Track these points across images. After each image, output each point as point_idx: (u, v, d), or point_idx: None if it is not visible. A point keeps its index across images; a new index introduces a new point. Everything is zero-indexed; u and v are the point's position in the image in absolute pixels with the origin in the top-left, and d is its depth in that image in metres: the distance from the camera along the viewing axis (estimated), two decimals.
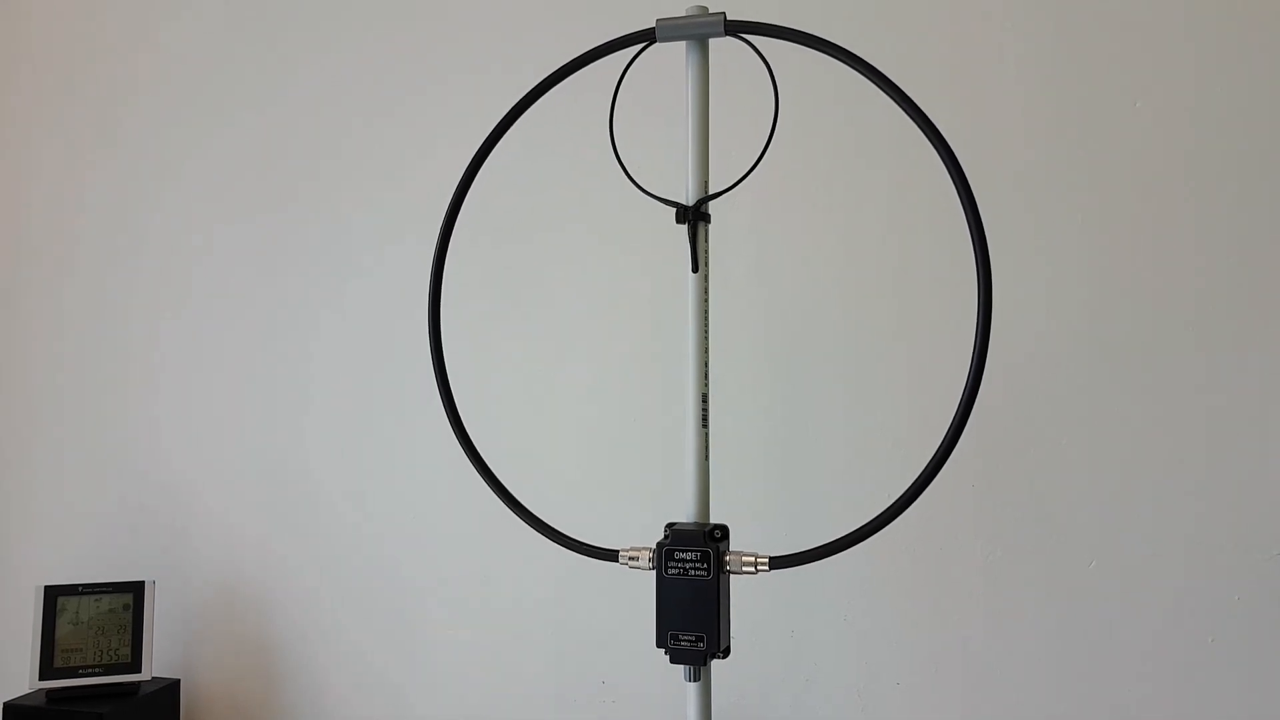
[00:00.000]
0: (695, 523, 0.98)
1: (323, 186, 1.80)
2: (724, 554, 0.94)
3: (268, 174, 1.84)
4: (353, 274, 1.77)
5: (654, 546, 0.95)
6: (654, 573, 0.95)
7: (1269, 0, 1.32)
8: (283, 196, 1.83)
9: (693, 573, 0.93)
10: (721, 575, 0.93)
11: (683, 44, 0.98)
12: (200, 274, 1.88)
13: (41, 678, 1.65)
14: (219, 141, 1.87)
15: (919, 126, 0.88)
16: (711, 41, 0.98)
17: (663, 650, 0.95)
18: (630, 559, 0.97)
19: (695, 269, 0.99)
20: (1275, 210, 1.32)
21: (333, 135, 1.79)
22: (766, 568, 0.93)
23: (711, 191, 0.98)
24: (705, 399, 0.99)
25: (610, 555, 0.98)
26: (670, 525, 0.97)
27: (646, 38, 0.97)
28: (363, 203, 1.77)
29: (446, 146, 1.70)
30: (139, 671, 1.69)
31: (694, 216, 0.98)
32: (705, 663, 0.95)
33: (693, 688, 0.97)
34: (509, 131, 1.03)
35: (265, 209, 1.84)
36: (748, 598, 1.43)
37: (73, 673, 1.66)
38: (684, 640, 0.93)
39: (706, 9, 0.96)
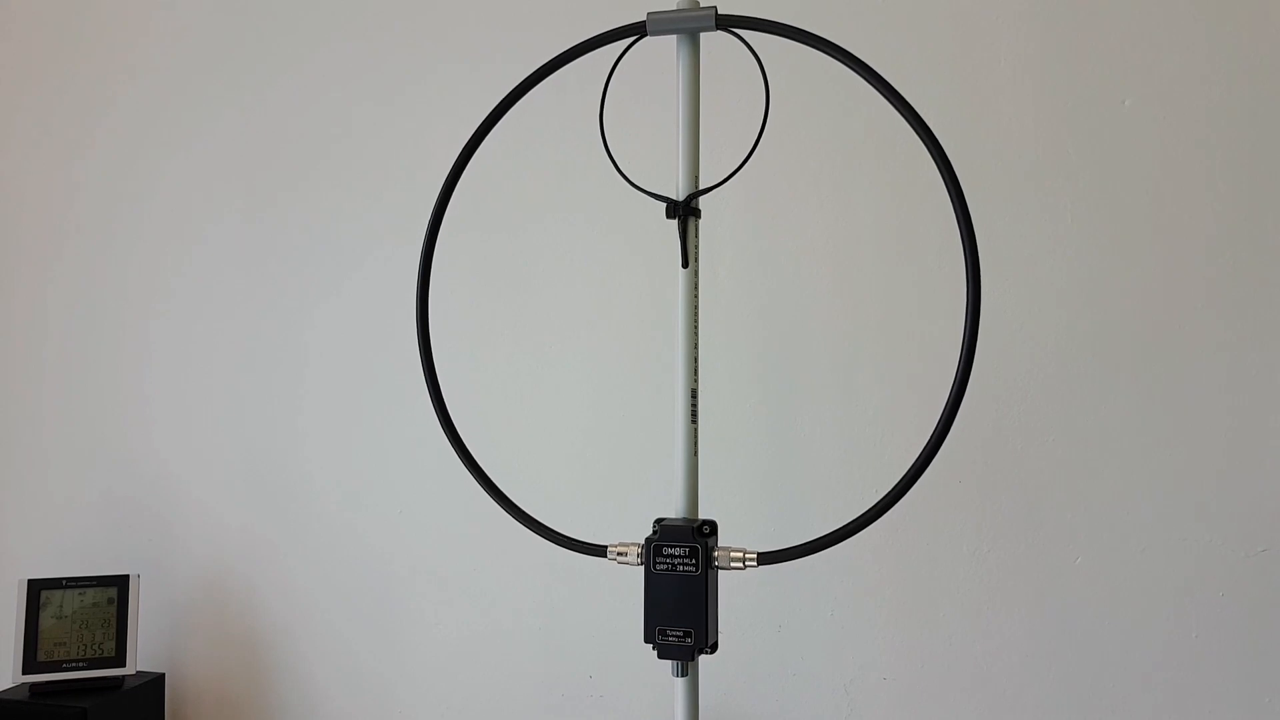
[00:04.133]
0: (684, 518, 0.98)
1: (311, 180, 1.79)
2: (712, 549, 0.94)
3: (255, 167, 1.83)
4: (341, 268, 1.76)
5: (642, 542, 0.95)
6: (642, 568, 0.95)
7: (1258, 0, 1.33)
8: (270, 190, 1.82)
9: (681, 568, 0.93)
10: (710, 571, 0.93)
11: (673, 38, 0.98)
12: (187, 266, 1.86)
13: (24, 672, 1.64)
14: (208, 134, 1.86)
15: (908, 122, 0.88)
16: (702, 36, 0.98)
17: (650, 645, 0.95)
18: (618, 554, 0.97)
19: (685, 264, 0.98)
20: (1267, 209, 1.33)
21: (321, 129, 1.78)
22: (755, 563, 0.93)
23: (702, 186, 0.98)
24: (695, 394, 0.99)
25: (598, 550, 0.98)
26: (659, 520, 0.97)
27: (637, 31, 0.97)
28: (351, 196, 1.76)
29: (435, 140, 1.69)
30: (123, 665, 1.68)
31: (684, 211, 0.97)
32: (693, 658, 0.95)
33: (680, 682, 0.97)
34: (498, 125, 1.03)
35: (252, 202, 1.83)
36: (735, 592, 1.44)
37: (56, 667, 1.65)
38: (672, 635, 0.93)
39: (698, 3, 0.96)
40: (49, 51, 1.97)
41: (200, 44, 1.87)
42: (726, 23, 0.94)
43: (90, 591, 1.70)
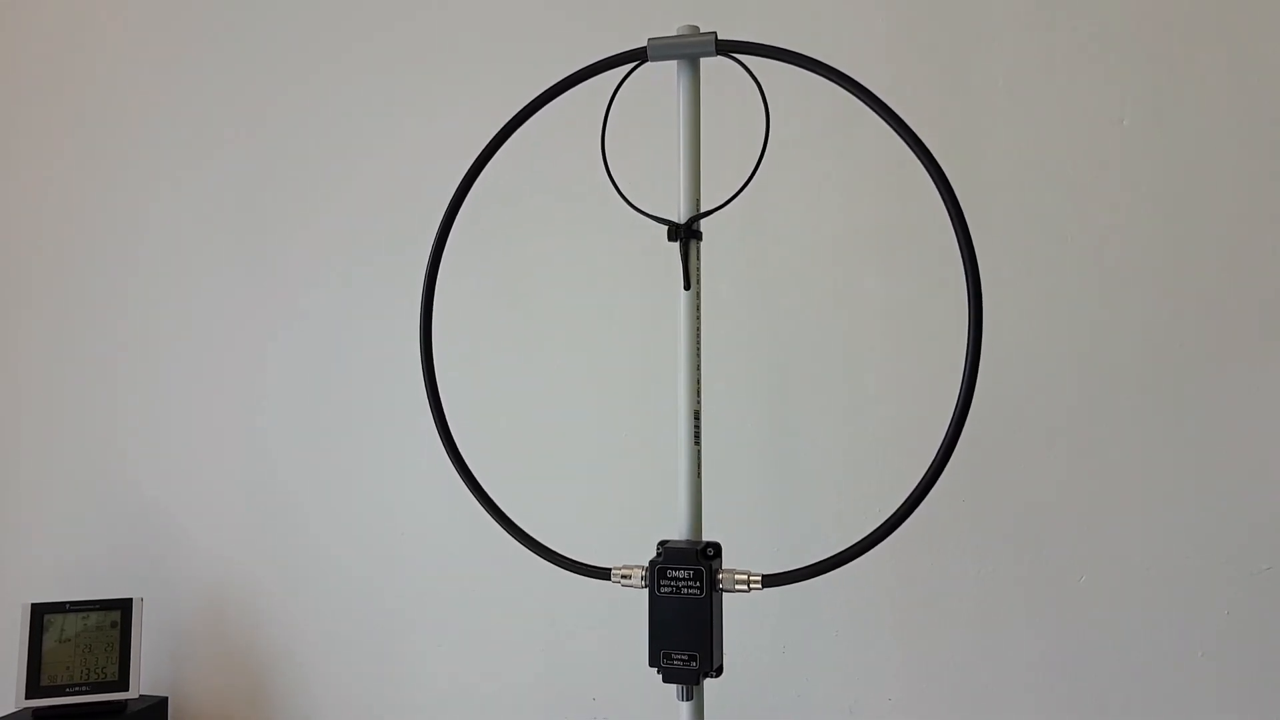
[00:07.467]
0: (688, 540, 0.98)
1: (312, 205, 1.80)
2: (717, 572, 0.94)
3: (258, 194, 1.84)
4: (341, 289, 1.77)
5: (646, 564, 0.95)
6: (646, 591, 0.95)
7: (1255, 16, 1.34)
8: (272, 217, 1.82)
9: (685, 591, 0.93)
10: (714, 593, 0.93)
11: (674, 63, 0.98)
12: (187, 291, 1.87)
13: (28, 696, 1.63)
14: (212, 166, 1.87)
15: (908, 144, 0.89)
16: (703, 60, 0.98)
17: (655, 669, 0.94)
18: (623, 577, 0.97)
19: (687, 286, 0.99)
20: (1264, 224, 1.33)
21: (322, 151, 1.79)
22: (759, 585, 0.93)
23: (703, 209, 0.98)
24: (698, 416, 0.99)
25: (602, 573, 0.98)
26: (663, 543, 0.97)
27: (638, 57, 0.98)
28: (353, 218, 1.77)
29: (439, 163, 1.70)
30: (126, 689, 1.67)
31: (685, 234, 0.98)
32: (698, 682, 0.94)
33: (685, 707, 0.97)
34: (501, 149, 1.04)
35: (253, 232, 1.83)
36: (739, 614, 1.43)
37: (59, 691, 1.65)
38: (677, 659, 0.93)
39: (698, 28, 0.97)
40: (47, 73, 1.99)
41: (201, 66, 1.88)
42: (727, 48, 0.95)
43: (94, 615, 1.69)
